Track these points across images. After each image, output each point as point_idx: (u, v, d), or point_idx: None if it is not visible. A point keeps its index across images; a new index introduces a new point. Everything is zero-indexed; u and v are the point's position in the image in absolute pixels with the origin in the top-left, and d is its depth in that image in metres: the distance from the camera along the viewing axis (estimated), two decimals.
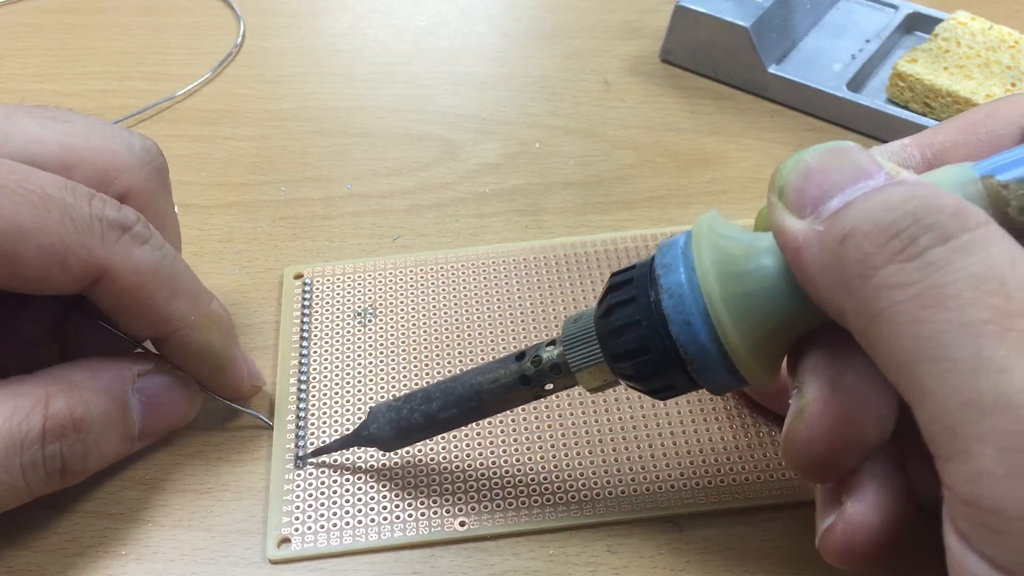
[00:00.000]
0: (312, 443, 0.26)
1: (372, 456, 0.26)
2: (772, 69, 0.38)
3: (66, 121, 0.25)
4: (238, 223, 0.33)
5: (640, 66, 0.41)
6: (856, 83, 0.38)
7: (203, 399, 0.27)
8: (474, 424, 0.27)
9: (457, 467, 0.26)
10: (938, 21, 0.39)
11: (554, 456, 0.26)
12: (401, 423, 0.24)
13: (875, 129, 0.36)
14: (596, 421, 0.27)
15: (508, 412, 0.27)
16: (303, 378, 0.28)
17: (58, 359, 0.25)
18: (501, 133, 0.37)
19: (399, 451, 0.26)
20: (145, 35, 0.43)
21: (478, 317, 0.30)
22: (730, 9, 0.38)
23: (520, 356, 0.23)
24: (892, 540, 0.19)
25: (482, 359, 0.28)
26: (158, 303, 0.24)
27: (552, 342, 0.23)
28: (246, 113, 0.38)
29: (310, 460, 0.26)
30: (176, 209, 0.27)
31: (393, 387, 0.28)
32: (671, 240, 0.21)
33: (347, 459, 0.26)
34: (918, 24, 0.41)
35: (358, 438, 0.25)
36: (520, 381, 0.23)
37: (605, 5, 0.44)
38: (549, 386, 0.23)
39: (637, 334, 0.20)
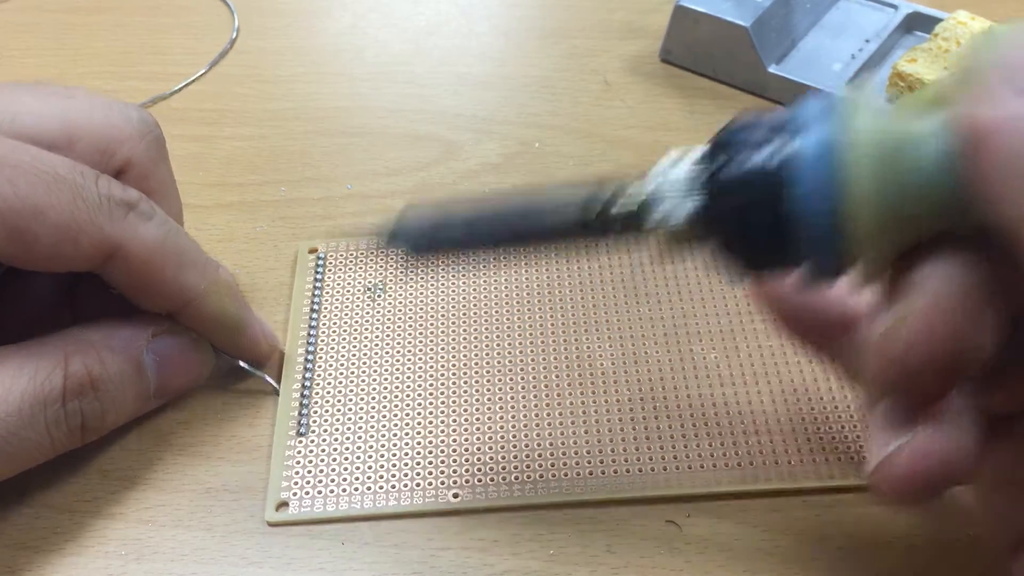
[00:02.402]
0: (316, 411, 0.27)
1: (371, 426, 0.27)
2: (772, 69, 0.38)
3: (67, 97, 0.25)
4: (238, 223, 0.33)
5: (640, 66, 0.41)
6: (856, 83, 0.38)
7: (215, 360, 0.27)
8: (472, 399, 0.27)
9: (454, 440, 0.27)
10: (938, 21, 0.39)
11: (550, 434, 0.27)
12: (438, 222, 0.22)
13: None
14: (594, 401, 0.27)
15: (507, 391, 0.27)
16: (311, 349, 0.29)
17: (71, 326, 0.25)
18: (501, 133, 0.37)
19: (399, 402, 0.26)
20: (145, 35, 0.43)
21: (486, 300, 0.30)
22: (730, 9, 0.38)
23: (598, 194, 0.20)
24: (953, 478, 0.18)
25: (488, 339, 0.29)
26: (168, 276, 0.24)
27: (638, 183, 0.20)
28: (245, 113, 0.38)
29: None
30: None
31: (399, 361, 0.29)
32: (813, 101, 0.18)
33: (347, 427, 0.27)
34: (918, 24, 0.41)
35: (392, 238, 0.22)
36: (595, 226, 0.20)
37: (605, 5, 0.44)
38: (619, 230, 0.20)
39: (757, 191, 0.18)
